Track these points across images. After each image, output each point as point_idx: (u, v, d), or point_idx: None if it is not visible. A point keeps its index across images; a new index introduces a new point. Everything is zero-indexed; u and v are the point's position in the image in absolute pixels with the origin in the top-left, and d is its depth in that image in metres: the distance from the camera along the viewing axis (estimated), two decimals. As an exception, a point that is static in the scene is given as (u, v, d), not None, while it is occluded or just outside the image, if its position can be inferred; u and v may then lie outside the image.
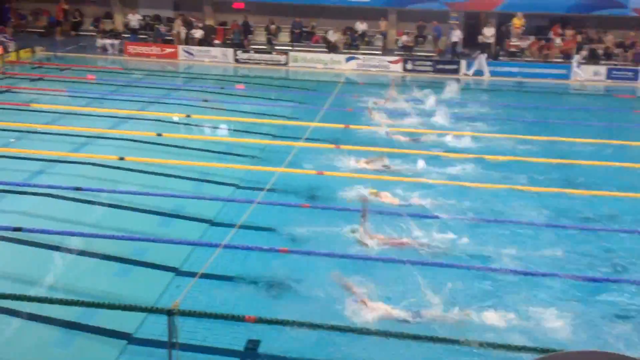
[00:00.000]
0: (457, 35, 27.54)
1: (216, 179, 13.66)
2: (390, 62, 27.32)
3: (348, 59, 27.46)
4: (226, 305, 8.69)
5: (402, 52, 28.29)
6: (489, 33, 27.61)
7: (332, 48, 28.34)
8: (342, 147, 15.82)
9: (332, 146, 15.94)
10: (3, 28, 28.22)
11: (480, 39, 27.27)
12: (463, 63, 26.88)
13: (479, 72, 26.46)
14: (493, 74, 26.48)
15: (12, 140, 15.70)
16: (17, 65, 24.72)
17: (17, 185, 12.78)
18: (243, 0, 29.25)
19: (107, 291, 9.07)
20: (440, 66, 27.01)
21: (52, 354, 7.86)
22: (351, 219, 11.26)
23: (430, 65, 27.22)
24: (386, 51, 28.81)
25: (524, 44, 27.71)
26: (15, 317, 8.45)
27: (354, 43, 28.70)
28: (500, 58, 27.61)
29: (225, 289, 9.23)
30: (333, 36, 28.46)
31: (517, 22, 27.55)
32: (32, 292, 8.88)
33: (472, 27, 29.01)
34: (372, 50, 28.78)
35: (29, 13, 31.05)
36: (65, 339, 8.15)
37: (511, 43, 27.73)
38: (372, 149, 15.62)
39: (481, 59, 26.32)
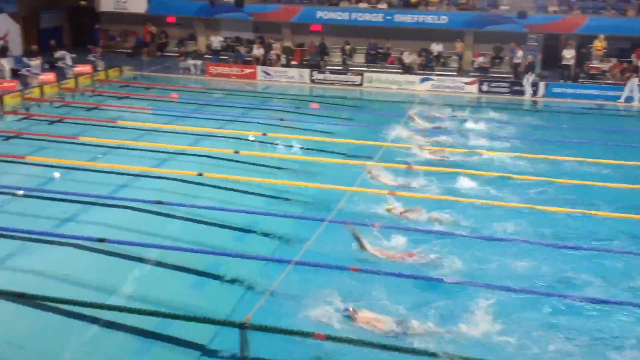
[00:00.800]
0: (519, 57, 27.14)
1: (289, 196, 13.97)
2: (466, 83, 27.13)
3: (422, 80, 27.47)
4: (296, 321, 8.88)
5: (477, 74, 28.05)
6: (568, 55, 27.03)
7: (406, 69, 28.43)
8: (414, 167, 15.86)
9: (404, 166, 15.99)
10: (94, 48, 29.82)
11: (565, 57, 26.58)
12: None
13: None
14: (572, 96, 25.84)
15: (100, 155, 16.57)
16: (105, 83, 26.04)
17: (103, 197, 13.48)
18: (320, 22, 29.79)
19: (182, 302, 9.43)
20: (517, 88, 26.58)
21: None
22: (422, 239, 11.37)
23: (506, 87, 26.84)
24: (461, 72, 28.64)
25: (605, 66, 26.94)
26: (97, 324, 8.93)
27: (429, 64, 28.70)
28: (580, 80, 26.92)
29: (295, 305, 9.42)
30: (408, 57, 28.56)
31: (599, 44, 26.85)
32: (112, 300, 9.35)
33: (551, 49, 28.48)
34: (447, 71, 28.68)
35: (118, 34, 32.69)
36: (142, 347, 8.53)
37: (592, 65, 27.02)
38: (444, 169, 15.59)
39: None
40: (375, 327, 8.73)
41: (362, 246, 10.87)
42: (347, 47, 29.46)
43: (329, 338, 8.27)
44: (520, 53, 27.23)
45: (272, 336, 8.40)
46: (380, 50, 29.72)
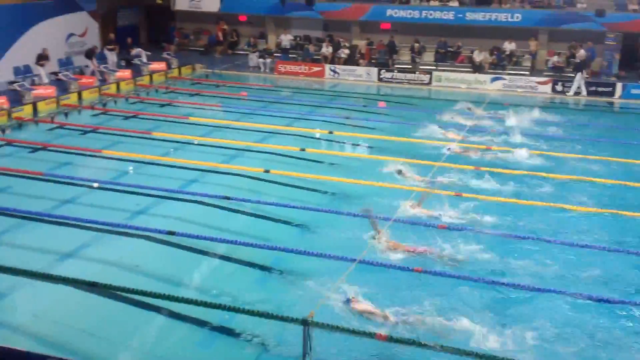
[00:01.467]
0: (580, 56, 26.16)
1: (354, 194, 13.95)
2: (539, 83, 26.38)
3: (493, 79, 26.90)
4: (359, 320, 8.88)
5: (551, 73, 27.24)
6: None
7: (477, 68, 27.92)
8: (482, 169, 15.58)
9: (472, 167, 15.73)
10: (168, 46, 30.67)
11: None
12: (618, 86, 25.34)
13: None
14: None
15: (171, 150, 17.04)
16: (178, 80, 26.72)
17: (173, 192, 13.86)
18: (390, 20, 29.63)
19: (246, 297, 9.59)
20: (593, 88, 25.65)
21: (194, 354, 8.42)
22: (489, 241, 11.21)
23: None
24: (535, 72, 27.89)
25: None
26: (163, 315, 9.18)
27: (501, 63, 28.07)
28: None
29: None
30: (479, 56, 28.03)
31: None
32: (178, 292, 9.55)
33: (630, 49, 27.36)
34: (520, 70, 27.98)
35: (191, 33, 33.49)
36: (206, 340, 8.72)
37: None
38: (510, 172, 15.25)
39: None
40: (370, 317, 8.99)
41: (377, 236, 11.13)
42: (417, 45, 29.17)
43: (390, 339, 8.24)
44: (582, 52, 26.25)
45: (334, 334, 8.45)
46: (450, 49, 29.30)
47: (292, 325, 8.27)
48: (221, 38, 32.09)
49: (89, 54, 25.21)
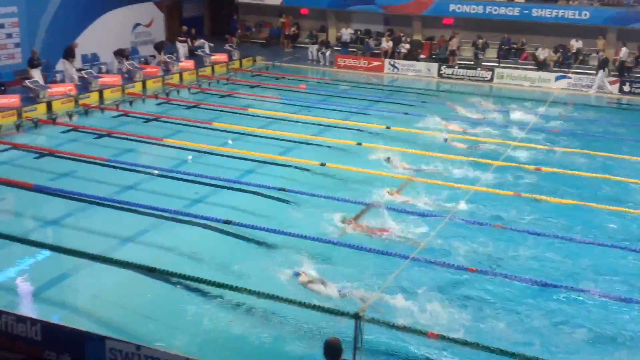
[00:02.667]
0: (625, 54, 25.17)
1: (410, 191, 13.84)
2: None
3: (558, 78, 26.19)
4: (412, 317, 8.85)
5: (619, 73, 26.31)
6: None
7: (541, 66, 27.24)
8: (544, 169, 15.24)
9: (532, 167, 15.41)
10: (230, 38, 31.08)
11: None
12: None
13: None
14: None
15: (230, 141, 17.29)
16: (239, 72, 27.07)
17: (231, 181, 14.06)
18: (453, 15, 29.21)
19: (299, 289, 9.65)
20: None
21: (245, 341, 8.55)
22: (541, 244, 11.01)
23: (652, 88, 25.02)
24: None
25: None
26: (217, 302, 9.34)
27: (566, 61, 27.30)
28: None
29: (411, 301, 9.36)
30: (543, 53, 27.34)
31: None
32: (232, 280, 9.68)
33: None
34: (586, 69, 27.14)
35: (254, 25, 33.84)
36: (257, 329, 8.82)
37: None
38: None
39: None
40: (315, 290, 9.44)
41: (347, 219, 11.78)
42: (479, 41, 28.66)
43: (442, 338, 8.18)
44: (624, 49, 25.35)
45: (386, 330, 8.46)
46: (513, 46, 28.68)
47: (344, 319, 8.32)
48: (290, 32, 32.14)
49: (159, 47, 25.81)
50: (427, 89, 25.74)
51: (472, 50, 28.97)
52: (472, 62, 28.44)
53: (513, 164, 15.52)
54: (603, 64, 25.42)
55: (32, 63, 20.21)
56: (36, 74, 20.11)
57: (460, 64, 28.22)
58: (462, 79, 27.18)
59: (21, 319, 7.77)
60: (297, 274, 9.80)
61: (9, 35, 21.44)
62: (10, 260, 10.48)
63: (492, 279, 10.11)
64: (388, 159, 15.47)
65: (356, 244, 11.03)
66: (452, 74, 27.50)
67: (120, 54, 24.04)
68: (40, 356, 7.64)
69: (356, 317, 7.52)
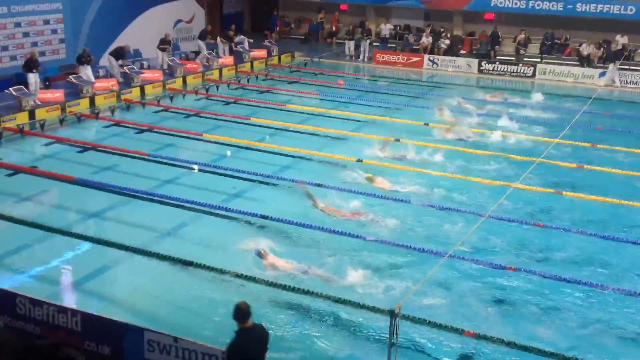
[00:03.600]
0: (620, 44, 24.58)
1: (448, 188, 13.70)
2: (653, 79, 24.89)
3: (602, 74, 25.59)
4: (447, 315, 8.78)
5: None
6: None
7: (585, 61, 26.64)
8: (587, 167, 14.94)
9: (574, 165, 15.11)
10: (269, 34, 31.21)
11: None
12: None
13: None
14: None
15: (267, 136, 17.39)
16: (278, 68, 27.17)
17: (268, 177, 14.13)
18: (494, 10, 28.79)
19: (335, 285, 9.64)
20: None
21: (281, 335, 8.59)
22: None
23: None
24: (649, 67, 26.30)
25: None
26: (251, 296, 9.39)
27: (611, 57, 26.62)
28: None
29: (448, 299, 9.29)
30: (587, 49, 26.74)
31: None
32: (266, 275, 9.76)
33: None
34: (632, 65, 26.44)
35: (293, 21, 33.92)
36: (292, 323, 8.84)
37: None
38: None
39: None
40: (279, 268, 9.86)
41: (314, 204, 12.22)
42: (521, 36, 28.17)
43: (478, 337, 8.10)
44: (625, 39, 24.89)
45: (422, 327, 8.41)
46: (557, 41, 28.11)
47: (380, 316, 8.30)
48: (337, 28, 31.90)
49: (203, 36, 26.09)
50: (467, 84, 25.41)
51: (513, 45, 28.50)
52: (514, 58, 27.99)
53: (554, 162, 15.23)
54: (615, 57, 24.97)
55: (82, 60, 20.60)
56: (86, 71, 20.49)
57: (501, 59, 27.79)
58: (503, 74, 26.77)
59: (62, 310, 7.97)
60: (259, 254, 10.12)
61: (54, 31, 21.95)
62: (52, 252, 10.73)
63: (532, 278, 9.95)
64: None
65: (393, 241, 10.98)
66: (493, 70, 27.09)
67: (115, 54, 22.21)
68: (80, 346, 7.81)
69: (392, 313, 7.49)
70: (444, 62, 27.94)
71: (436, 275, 9.44)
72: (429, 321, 8.44)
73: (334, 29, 31.85)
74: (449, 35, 29.35)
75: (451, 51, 28.70)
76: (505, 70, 26.91)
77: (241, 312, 6.44)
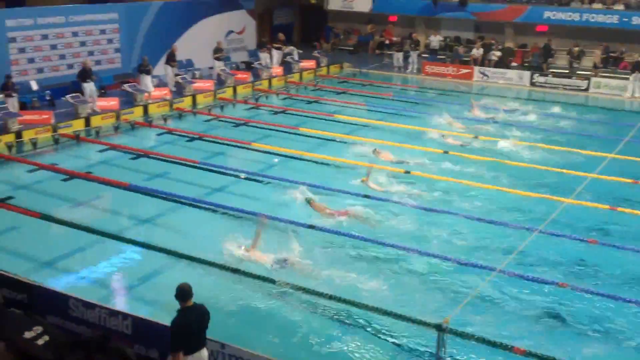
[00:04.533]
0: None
1: (498, 201, 13.50)
2: None
3: (658, 88, 24.83)
4: (497, 331, 8.63)
5: None
6: None
7: (642, 75, 25.91)
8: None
9: (630, 181, 14.69)
10: (319, 44, 31.38)
11: None
12: None
13: None
14: None
15: (321, 144, 17.43)
16: (326, 79, 27.29)
17: (316, 187, 14.07)
18: (547, 23, 28.30)
19: (382, 297, 9.59)
20: None
21: (330, 348, 8.56)
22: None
23: None
24: None
25: None
26: (299, 307, 9.42)
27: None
28: None
29: (496, 315, 9.14)
30: (644, 63, 26.00)
31: None
32: (317, 286, 9.74)
33: None
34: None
35: (342, 32, 34.05)
36: (338, 335, 8.81)
37: None
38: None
39: None
40: (260, 260, 10.37)
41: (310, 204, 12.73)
42: (575, 49, 27.61)
43: (529, 354, 7.91)
44: None
45: (470, 343, 8.27)
46: (612, 54, 27.44)
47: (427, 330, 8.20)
48: (392, 40, 31.66)
49: (262, 45, 26.38)
50: (518, 97, 25.02)
51: (566, 58, 27.95)
52: (567, 71, 27.44)
53: (609, 177, 14.84)
54: (637, 67, 24.57)
55: (142, 69, 21.11)
56: (145, 80, 20.98)
57: (554, 72, 27.27)
58: (555, 87, 26.26)
59: (113, 313, 8.14)
60: (245, 249, 10.62)
61: (110, 41, 22.57)
62: (104, 256, 10.99)
63: (584, 295, 9.70)
64: (374, 151, 16.23)
65: (443, 254, 10.86)
66: (545, 83, 26.61)
67: (168, 59, 22.40)
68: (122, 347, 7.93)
69: (439, 328, 7.42)
70: (495, 74, 27.58)
71: (485, 289, 9.29)
72: (477, 336, 8.29)
73: (387, 42, 31.72)
74: (500, 47, 28.98)
75: (502, 63, 28.32)
76: (558, 83, 26.39)
77: (183, 293, 6.92)
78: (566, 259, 10.90)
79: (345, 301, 9.17)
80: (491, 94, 24.82)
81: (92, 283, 10.20)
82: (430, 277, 10.29)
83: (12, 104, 17.47)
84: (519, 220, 12.45)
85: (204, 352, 7.08)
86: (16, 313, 2.58)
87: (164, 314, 8.92)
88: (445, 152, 16.73)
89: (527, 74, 27.10)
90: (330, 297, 9.27)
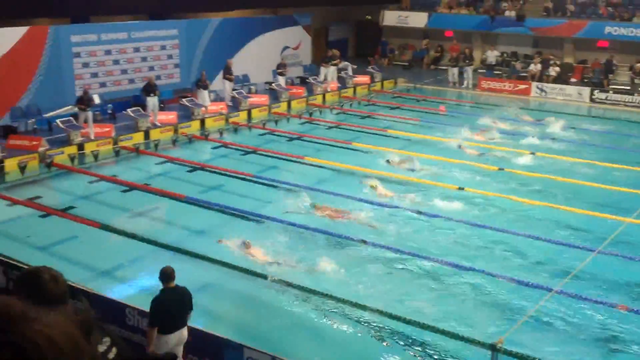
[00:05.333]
0: None
1: (555, 220, 13.19)
2: None
3: None
4: (553, 353, 8.41)
5: None
6: None
7: None
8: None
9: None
10: (372, 60, 31.46)
11: None
12: None
13: None
14: None
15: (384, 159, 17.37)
16: (380, 94, 27.29)
17: (367, 201, 14.11)
18: (608, 38, 27.62)
19: (434, 314, 9.49)
20: None
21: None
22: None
23: None
24: None
25: None
26: (352, 322, 9.40)
27: None
28: None
29: (552, 336, 8.91)
30: None
31: None
32: (363, 299, 9.71)
33: None
34: None
35: (396, 47, 34.06)
36: (387, 351, 8.75)
37: None
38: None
39: None
40: (255, 257, 11.17)
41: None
42: (637, 65, 26.84)
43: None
44: None
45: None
46: (677, 70, 26.58)
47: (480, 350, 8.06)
48: (455, 55, 31.38)
49: (325, 60, 26.80)
50: (578, 114, 24.45)
51: (628, 74, 27.20)
52: (629, 87, 26.68)
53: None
54: None
55: (200, 84, 21.60)
56: (202, 95, 21.46)
57: (615, 88, 26.56)
58: (616, 104, 25.55)
59: (168, 322, 8.27)
60: (243, 244, 11.38)
61: (170, 57, 23.19)
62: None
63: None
64: (388, 161, 16.82)
65: (498, 273, 10.67)
66: (606, 99, 25.93)
67: (225, 72, 22.51)
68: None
69: (493, 348, 7.28)
70: (554, 90, 27.04)
71: (541, 309, 9.08)
72: (532, 357, 8.09)
73: (451, 57, 31.35)
74: (558, 62, 28.43)
75: (561, 79, 27.76)
76: (619, 100, 25.69)
77: (165, 275, 7.57)
78: (626, 281, 10.56)
79: (396, 317, 9.09)
80: (549, 110, 24.35)
81: (148, 292, 10.41)
82: (485, 295, 10.11)
83: (85, 117, 18.02)
84: (578, 240, 12.13)
85: (184, 332, 7.55)
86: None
87: (218, 325, 9.08)
88: (501, 169, 16.47)
89: (587, 90, 26.48)
90: (381, 313, 9.22)
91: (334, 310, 9.63)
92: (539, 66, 28.13)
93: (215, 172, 16.21)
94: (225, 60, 23.19)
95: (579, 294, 9.95)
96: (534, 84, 27.51)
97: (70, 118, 18.15)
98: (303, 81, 27.04)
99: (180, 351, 7.56)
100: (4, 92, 18.20)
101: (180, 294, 7.57)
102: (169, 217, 13.99)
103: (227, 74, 22.77)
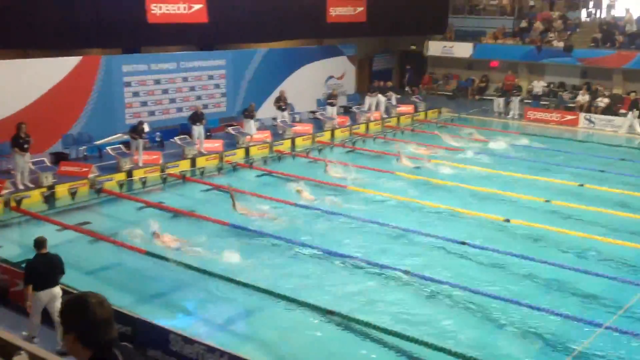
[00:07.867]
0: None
1: (604, 253, 12.86)
2: None
3: None
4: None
5: None
6: None
7: None
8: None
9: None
10: (416, 89, 31.45)
11: None
12: None
13: None
14: None
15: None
16: (424, 123, 27.21)
17: (411, 231, 14.02)
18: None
19: (474, 346, 9.31)
20: None
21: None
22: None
23: None
24: None
25: None
26: (395, 351, 9.31)
27: None
28: None
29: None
30: None
31: None
32: (410, 331, 9.62)
33: None
34: None
35: (441, 77, 34.02)
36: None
37: None
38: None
39: None
40: (167, 244, 12.70)
41: (234, 205, 14.83)
42: (690, 95, 26.17)
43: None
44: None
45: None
46: None
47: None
48: (510, 88, 30.81)
49: (383, 90, 27.17)
50: (627, 145, 23.90)
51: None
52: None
53: None
54: (633, 105, 24.70)
55: (247, 114, 21.93)
56: (249, 124, 21.76)
57: (667, 119, 25.90)
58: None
59: (211, 350, 8.35)
60: (153, 234, 12.78)
61: (217, 86, 23.67)
62: (203, 293, 11.32)
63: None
64: (325, 170, 18.08)
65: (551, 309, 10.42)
66: (656, 130, 25.28)
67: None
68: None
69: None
70: (602, 121, 26.53)
71: (591, 345, 8.83)
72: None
73: (506, 88, 31.01)
74: (607, 93, 27.93)
75: (610, 110, 27.23)
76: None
77: (38, 242, 9.01)
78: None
79: (432, 346, 8.97)
80: (596, 142, 23.90)
81: (191, 318, 10.52)
82: (534, 329, 9.88)
83: (136, 145, 18.49)
84: (628, 274, 11.78)
85: (55, 290, 8.96)
86: (129, 347, 2.69)
87: (260, 353, 9.09)
88: (547, 201, 16.17)
89: (636, 121, 25.86)
90: (418, 342, 9.11)
91: (380, 339, 9.53)
92: (587, 97, 27.68)
93: (259, 199, 16.26)
94: (272, 90, 23.55)
95: (631, 330, 9.64)
96: (582, 114, 27.05)
97: (120, 146, 18.62)
98: (347, 110, 27.21)
99: (56, 307, 8.62)
100: (56, 120, 18.83)
101: (50, 259, 9.03)
102: (211, 244, 14.07)
103: (283, 102, 23.20)
